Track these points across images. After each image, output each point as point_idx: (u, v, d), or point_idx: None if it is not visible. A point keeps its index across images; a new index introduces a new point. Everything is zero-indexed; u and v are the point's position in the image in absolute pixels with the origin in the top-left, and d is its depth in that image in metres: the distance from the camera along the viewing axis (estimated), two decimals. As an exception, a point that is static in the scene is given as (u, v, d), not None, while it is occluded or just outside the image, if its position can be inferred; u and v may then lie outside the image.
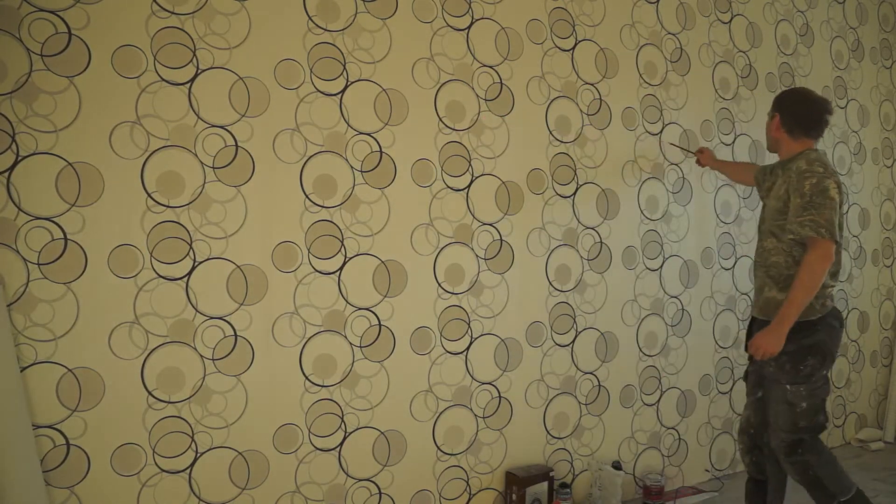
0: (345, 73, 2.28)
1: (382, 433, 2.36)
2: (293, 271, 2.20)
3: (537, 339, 2.67)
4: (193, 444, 2.06)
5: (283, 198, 2.18)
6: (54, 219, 1.88)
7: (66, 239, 1.89)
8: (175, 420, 2.03)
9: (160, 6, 2.01)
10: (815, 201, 2.04)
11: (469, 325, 2.52)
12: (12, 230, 1.83)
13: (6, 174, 1.82)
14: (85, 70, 1.91)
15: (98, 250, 1.93)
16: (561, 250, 2.72)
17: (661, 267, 2.99)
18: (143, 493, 1.99)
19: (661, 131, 2.98)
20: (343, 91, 2.28)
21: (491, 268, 2.56)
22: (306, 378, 2.22)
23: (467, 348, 2.52)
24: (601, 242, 2.82)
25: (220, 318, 2.09)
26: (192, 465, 2.06)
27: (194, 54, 2.05)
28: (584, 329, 2.79)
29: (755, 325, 2.27)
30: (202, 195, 2.06)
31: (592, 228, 2.80)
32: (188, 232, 2.04)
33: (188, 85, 2.05)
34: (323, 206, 2.25)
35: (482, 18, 2.54)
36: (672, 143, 2.69)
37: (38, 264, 1.86)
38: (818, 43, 3.57)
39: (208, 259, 2.07)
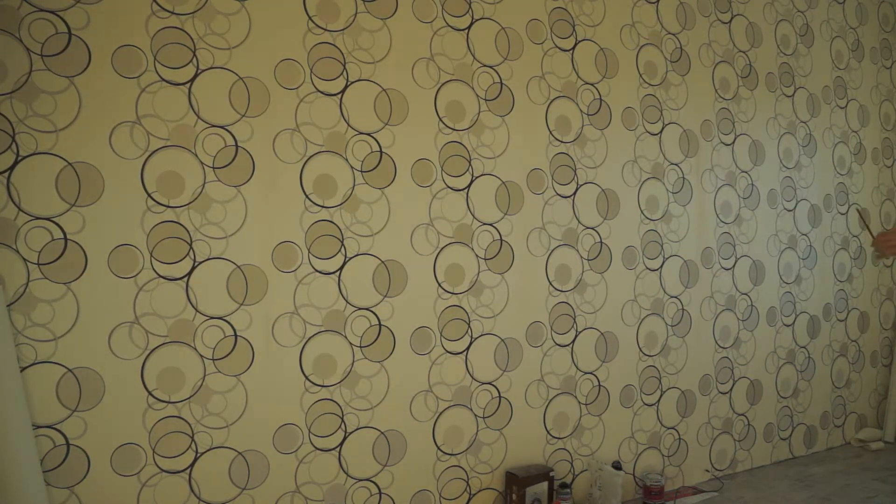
0: (345, 73, 2.28)
1: (382, 433, 2.36)
2: (293, 271, 2.20)
3: (537, 339, 2.67)
4: (193, 444, 2.06)
5: (283, 198, 2.18)
6: (54, 219, 1.88)
7: (66, 239, 1.89)
8: (175, 420, 2.03)
9: (160, 6, 2.01)
10: None
11: (469, 325, 2.52)
12: (12, 230, 1.83)
13: (6, 174, 1.82)
14: (85, 70, 1.91)
15: (98, 250, 1.93)
16: (561, 250, 2.72)
17: (661, 267, 2.99)
18: (143, 493, 1.99)
19: (661, 131, 2.98)
20: (343, 91, 2.28)
21: (491, 268, 2.56)
22: (306, 378, 2.22)
23: (467, 348, 2.52)
24: (601, 242, 2.82)
25: (220, 318, 2.09)
26: (192, 465, 2.06)
27: (194, 54, 2.05)
28: (584, 329, 2.79)
29: None
30: (202, 195, 2.06)
31: (592, 228, 2.80)
32: (188, 232, 2.04)
33: (188, 85, 2.05)
34: (323, 206, 2.25)
35: (482, 18, 2.54)
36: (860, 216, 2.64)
37: (38, 264, 1.86)
38: (818, 43, 3.57)
39: (208, 259, 2.07)
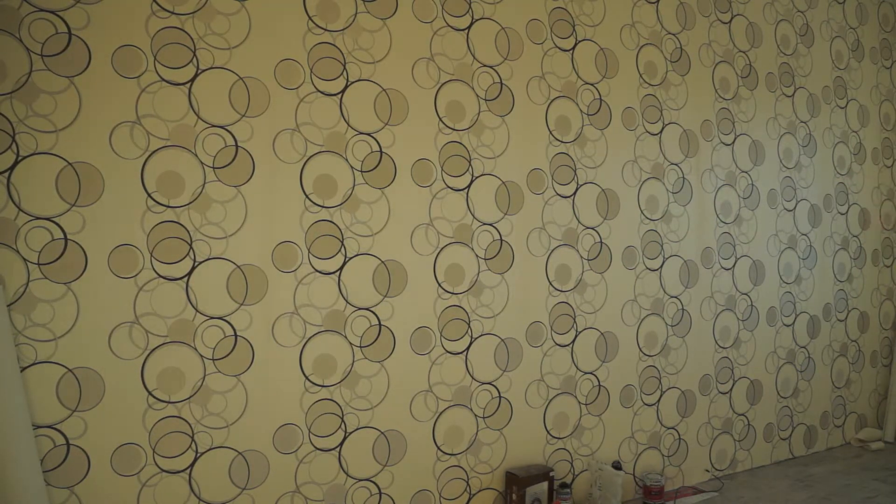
0: (345, 73, 2.28)
1: (382, 433, 2.36)
2: (293, 271, 2.20)
3: (537, 339, 2.67)
4: (193, 444, 2.06)
5: (283, 198, 2.18)
6: (54, 219, 1.88)
7: (66, 239, 1.89)
8: (175, 420, 2.03)
9: (160, 6, 2.01)
10: None
11: (469, 325, 2.52)
12: (12, 230, 1.83)
13: (6, 174, 1.82)
14: (85, 70, 1.91)
15: (98, 250, 1.93)
16: (561, 250, 2.72)
17: (661, 267, 2.99)
18: (143, 493, 1.99)
19: (661, 131, 2.98)
20: (343, 91, 2.28)
21: (491, 268, 2.56)
22: (306, 378, 2.22)
23: (467, 348, 2.52)
24: (601, 242, 2.82)
25: (220, 318, 2.09)
26: (192, 465, 2.06)
27: (194, 54, 2.05)
28: (584, 329, 2.79)
29: None
30: (202, 195, 2.06)
31: (592, 228, 2.80)
32: (188, 232, 2.04)
33: (188, 85, 2.05)
34: (323, 206, 2.25)
35: (482, 18, 2.54)
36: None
37: (38, 264, 1.86)
38: (818, 43, 3.57)
39: (208, 259, 2.07)
